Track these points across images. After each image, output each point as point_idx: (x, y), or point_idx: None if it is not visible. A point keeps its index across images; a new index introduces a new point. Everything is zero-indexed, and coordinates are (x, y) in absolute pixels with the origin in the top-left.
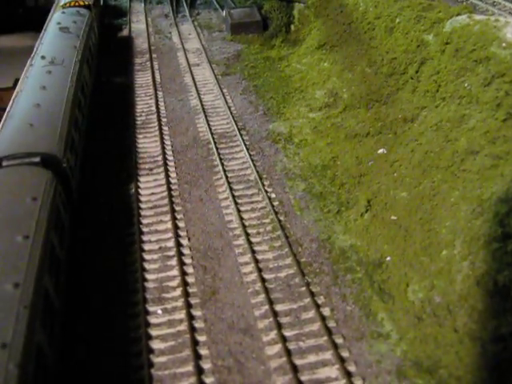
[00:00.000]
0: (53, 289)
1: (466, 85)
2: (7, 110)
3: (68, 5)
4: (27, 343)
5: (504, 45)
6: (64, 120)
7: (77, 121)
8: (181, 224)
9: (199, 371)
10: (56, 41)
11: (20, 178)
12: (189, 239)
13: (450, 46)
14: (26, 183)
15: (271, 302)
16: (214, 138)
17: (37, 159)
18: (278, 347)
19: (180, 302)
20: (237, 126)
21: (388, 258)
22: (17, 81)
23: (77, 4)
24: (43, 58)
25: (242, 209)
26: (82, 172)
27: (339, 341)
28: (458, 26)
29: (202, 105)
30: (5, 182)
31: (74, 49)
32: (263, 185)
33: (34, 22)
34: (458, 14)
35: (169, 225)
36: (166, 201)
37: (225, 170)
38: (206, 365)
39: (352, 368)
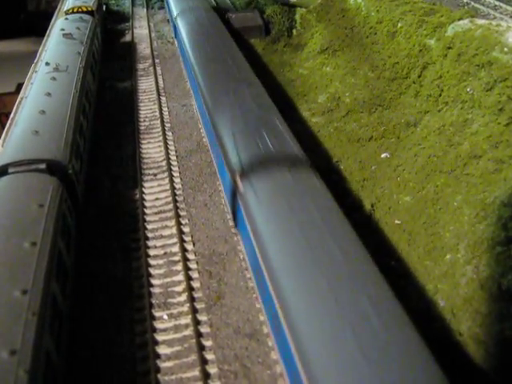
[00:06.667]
0: (60, 295)
1: (468, 89)
2: (11, 116)
3: (71, 11)
4: (36, 349)
5: (506, 49)
6: (69, 126)
7: (81, 127)
8: (186, 229)
9: (205, 376)
10: (60, 47)
11: (26, 184)
12: (194, 244)
13: (452, 50)
14: (32, 190)
15: None
16: None
17: (42, 166)
18: None
19: (186, 307)
20: None
21: (392, 263)
22: (19, 86)
23: (80, 10)
24: (47, 64)
25: None
26: (87, 178)
27: None
28: (460, 31)
29: None
30: (11, 188)
31: (78, 55)
32: None
33: (36, 27)
34: (459, 19)
35: (174, 230)
36: (170, 206)
37: None
38: (213, 369)
39: None
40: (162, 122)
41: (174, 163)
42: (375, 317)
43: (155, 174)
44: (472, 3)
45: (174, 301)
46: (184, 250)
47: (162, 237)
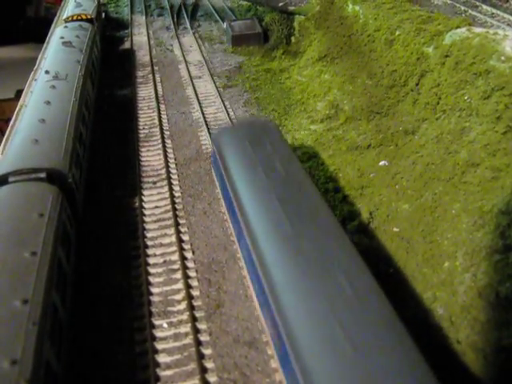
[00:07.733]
0: (60, 304)
1: (466, 97)
2: (11, 124)
3: (70, 19)
4: (37, 359)
5: (503, 58)
6: (69, 135)
7: (81, 135)
8: (185, 237)
9: None
10: (59, 55)
11: (26, 193)
12: (193, 252)
13: (449, 58)
14: (32, 199)
15: None
16: None
17: (42, 175)
18: None
19: (185, 316)
20: None
21: (390, 270)
22: (18, 92)
23: (79, 18)
24: (47, 72)
25: None
26: (86, 186)
27: None
28: (458, 39)
29: (205, 117)
30: (11, 198)
31: (78, 63)
32: None
33: (35, 33)
34: (457, 27)
35: (173, 238)
36: (169, 214)
37: None
38: (212, 378)
39: None
40: (162, 129)
41: (174, 171)
42: (373, 324)
43: (154, 182)
44: (469, 11)
45: (174, 309)
46: (183, 258)
47: (161, 245)
